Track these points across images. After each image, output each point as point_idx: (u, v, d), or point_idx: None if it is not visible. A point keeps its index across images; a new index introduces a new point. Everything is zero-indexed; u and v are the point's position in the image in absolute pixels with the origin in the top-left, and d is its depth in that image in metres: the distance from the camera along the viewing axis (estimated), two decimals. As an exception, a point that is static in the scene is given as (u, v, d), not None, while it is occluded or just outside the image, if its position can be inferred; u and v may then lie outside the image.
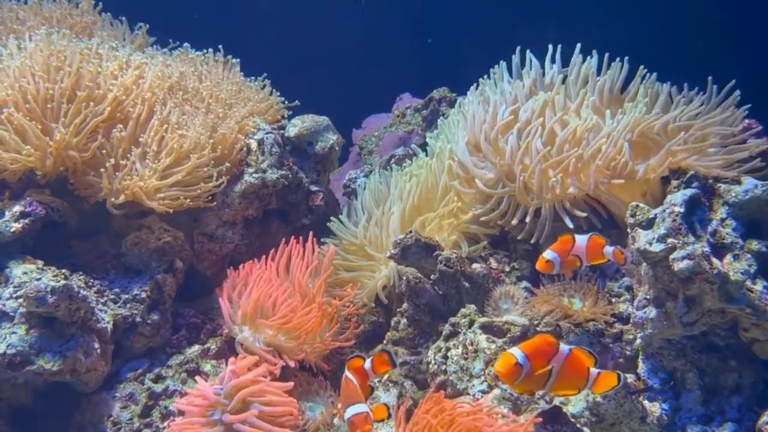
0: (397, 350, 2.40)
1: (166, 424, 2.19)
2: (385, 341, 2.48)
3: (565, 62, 2.71)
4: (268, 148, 2.75)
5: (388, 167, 3.26)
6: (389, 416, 1.86)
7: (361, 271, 2.72)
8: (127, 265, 2.47)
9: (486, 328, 2.24)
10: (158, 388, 2.30)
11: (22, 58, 2.43)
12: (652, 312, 2.04)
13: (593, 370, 1.76)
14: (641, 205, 2.09)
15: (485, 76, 2.83)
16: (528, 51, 2.76)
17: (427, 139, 3.07)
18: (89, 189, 2.43)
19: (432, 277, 2.43)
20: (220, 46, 3.05)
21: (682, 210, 1.99)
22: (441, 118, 3.29)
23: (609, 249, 2.06)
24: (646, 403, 2.05)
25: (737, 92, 2.34)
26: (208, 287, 2.66)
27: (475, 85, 2.86)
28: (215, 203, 2.62)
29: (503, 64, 2.80)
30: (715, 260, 1.94)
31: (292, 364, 2.26)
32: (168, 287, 2.45)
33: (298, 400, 2.16)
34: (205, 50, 3.06)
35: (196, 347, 2.42)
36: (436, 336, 2.35)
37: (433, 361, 2.25)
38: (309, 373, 2.37)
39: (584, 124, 2.39)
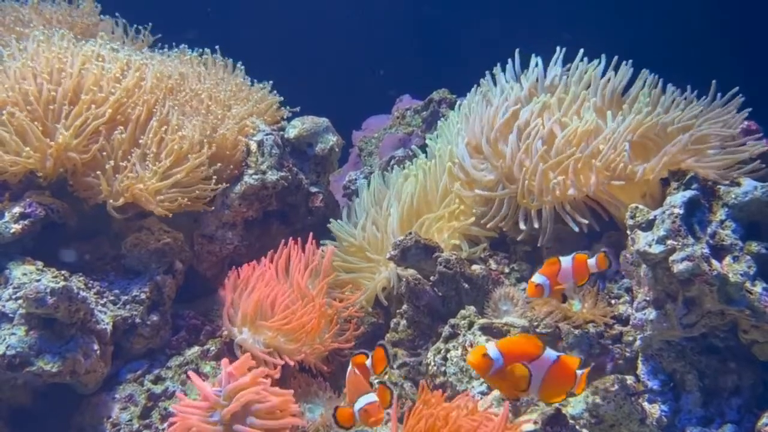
0: (397, 352, 2.40)
1: (165, 425, 2.19)
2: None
3: (566, 61, 2.71)
4: (268, 150, 2.76)
5: (388, 169, 3.27)
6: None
7: (360, 272, 2.72)
8: (127, 267, 2.47)
9: (485, 330, 2.24)
10: (158, 389, 2.30)
11: (23, 60, 2.43)
12: (651, 313, 2.04)
13: (577, 372, 1.73)
14: (641, 206, 2.09)
15: (486, 78, 2.83)
16: (528, 52, 2.76)
17: (427, 141, 3.07)
18: (89, 191, 2.43)
19: (431, 278, 2.43)
20: (216, 47, 3.05)
21: (681, 212, 1.99)
22: (441, 119, 3.29)
23: (592, 261, 2.01)
24: (645, 404, 2.05)
25: (740, 97, 2.34)
26: (208, 288, 2.66)
27: (475, 86, 2.86)
28: (215, 205, 2.62)
29: (504, 65, 2.80)
30: (714, 262, 1.94)
31: (291, 363, 2.26)
32: (168, 288, 2.45)
33: (298, 401, 2.16)
34: (201, 50, 3.07)
35: (196, 348, 2.42)
36: (436, 337, 2.35)
37: (432, 363, 2.25)
38: (308, 375, 2.37)
39: (584, 126, 2.39)
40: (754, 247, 1.98)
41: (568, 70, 2.67)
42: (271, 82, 3.08)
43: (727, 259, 1.97)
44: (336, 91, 5.31)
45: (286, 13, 5.71)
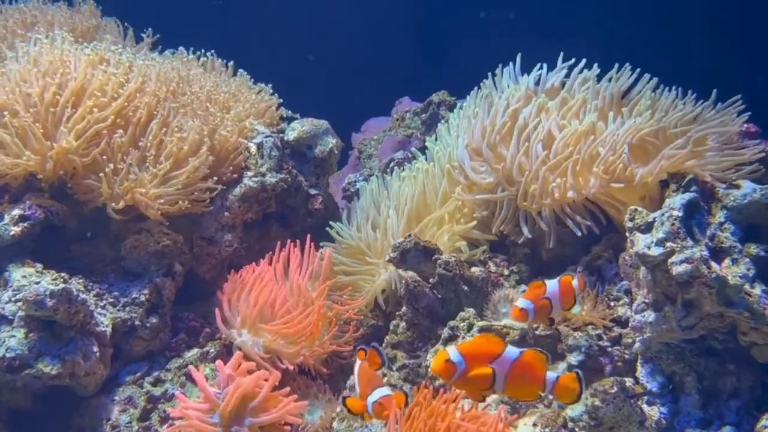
0: (396, 354, 2.40)
1: (164, 427, 2.19)
2: (384, 345, 2.48)
3: (566, 62, 2.71)
4: (268, 152, 2.76)
5: (388, 171, 3.26)
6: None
7: (360, 275, 2.72)
8: (127, 269, 2.48)
9: (485, 332, 2.24)
10: (157, 391, 2.31)
11: (24, 62, 2.43)
12: (650, 316, 2.04)
13: (551, 375, 1.68)
14: (640, 209, 2.09)
15: (486, 80, 2.83)
16: (529, 55, 2.76)
17: (427, 143, 3.07)
18: (89, 193, 2.43)
19: (431, 280, 2.43)
20: (212, 51, 3.06)
21: (680, 214, 1.99)
22: (440, 121, 3.29)
23: (575, 282, 2.05)
24: (644, 406, 2.05)
25: (741, 103, 2.34)
26: (208, 291, 2.66)
27: (476, 88, 2.86)
28: (214, 207, 2.62)
29: (504, 68, 2.80)
30: (713, 264, 1.94)
31: (291, 367, 2.26)
32: (167, 291, 2.46)
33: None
34: (200, 51, 3.07)
35: (195, 351, 2.42)
36: (435, 340, 2.35)
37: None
38: (308, 377, 2.37)
39: (584, 128, 2.39)
40: (753, 249, 1.98)
41: (569, 73, 2.67)
42: (270, 84, 3.08)
43: (726, 262, 1.97)
44: (335, 93, 5.30)
45: (286, 14, 5.72)
